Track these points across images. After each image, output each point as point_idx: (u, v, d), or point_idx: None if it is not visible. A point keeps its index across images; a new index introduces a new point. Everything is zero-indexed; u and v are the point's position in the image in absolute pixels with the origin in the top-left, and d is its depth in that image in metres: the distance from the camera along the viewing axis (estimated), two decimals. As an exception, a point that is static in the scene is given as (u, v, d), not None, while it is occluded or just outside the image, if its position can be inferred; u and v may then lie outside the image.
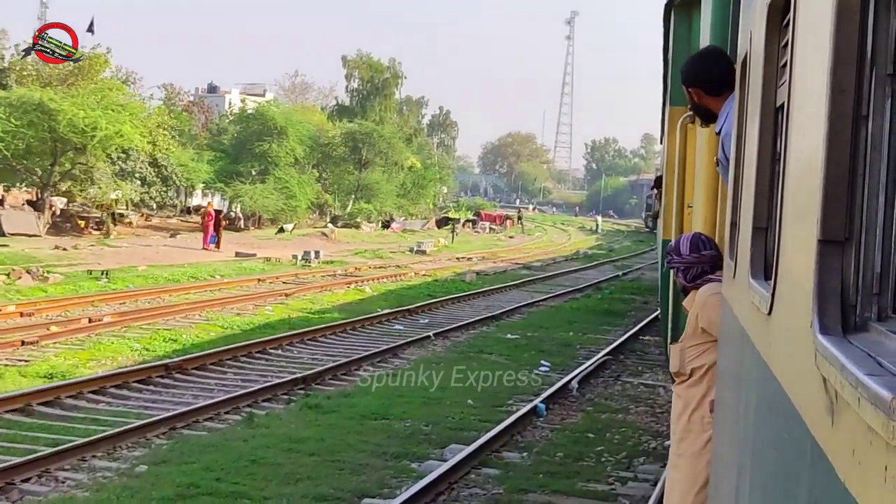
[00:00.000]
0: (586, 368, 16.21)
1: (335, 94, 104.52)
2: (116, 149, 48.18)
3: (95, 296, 21.53)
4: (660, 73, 19.36)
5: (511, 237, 73.62)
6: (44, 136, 43.70)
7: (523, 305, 25.94)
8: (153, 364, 14.48)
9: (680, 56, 12.63)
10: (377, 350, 17.16)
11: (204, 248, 38.11)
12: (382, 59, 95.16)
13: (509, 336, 20.12)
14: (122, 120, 44.77)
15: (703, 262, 5.76)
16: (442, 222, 79.16)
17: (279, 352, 16.92)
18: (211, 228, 39.29)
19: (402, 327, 21.06)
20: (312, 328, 19.24)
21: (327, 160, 74.34)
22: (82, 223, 50.33)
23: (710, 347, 5.55)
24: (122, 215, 55.62)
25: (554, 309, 25.82)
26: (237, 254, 36.02)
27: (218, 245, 38.79)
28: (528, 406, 12.95)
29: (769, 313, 2.70)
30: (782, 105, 2.95)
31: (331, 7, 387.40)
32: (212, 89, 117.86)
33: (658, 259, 16.17)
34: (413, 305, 24.08)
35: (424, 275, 33.84)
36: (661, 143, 20.12)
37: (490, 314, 23.43)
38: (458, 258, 43.64)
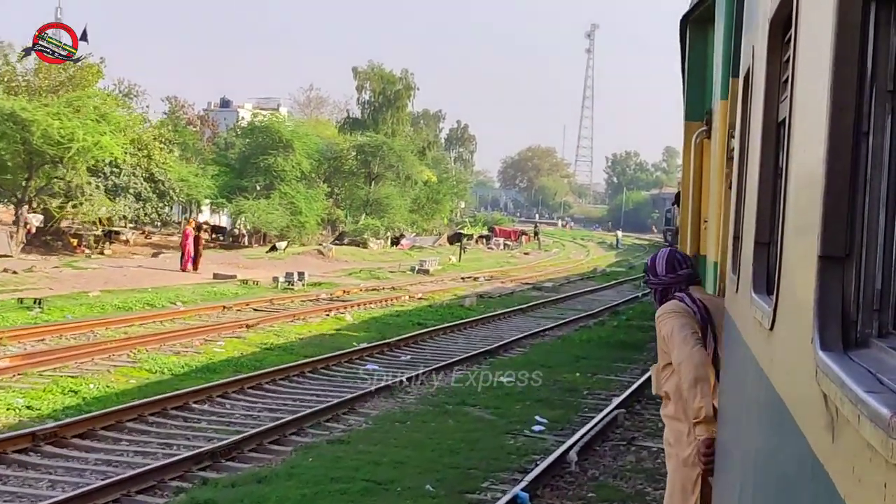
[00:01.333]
0: (592, 428, 12.69)
1: (349, 108, 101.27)
2: (101, 162, 45.28)
3: (12, 331, 18.10)
4: (680, 87, 17.05)
5: (526, 253, 70.06)
6: (17, 148, 40.59)
7: (526, 336, 22.42)
8: (18, 433, 11.00)
9: (695, 71, 12.78)
10: (331, 403, 13.68)
11: (182, 270, 34.73)
12: (395, 70, 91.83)
13: (502, 379, 16.60)
14: (102, 130, 41.60)
15: (679, 281, 5.70)
16: (454, 238, 75.84)
17: (205, 407, 13.46)
18: (190, 248, 35.82)
19: (376, 367, 17.59)
20: (261, 372, 15.80)
21: (336, 174, 71.57)
22: (74, 241, 47.65)
23: (674, 371, 5.53)
24: (117, 233, 53.03)
25: (561, 341, 22.27)
26: (215, 275, 32.62)
27: (196, 266, 35.34)
28: (508, 496, 9.45)
29: (771, 329, 2.73)
30: (784, 120, 3.07)
31: (347, 21, 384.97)
32: (224, 104, 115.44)
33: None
34: (396, 338, 20.65)
35: (420, 298, 30.38)
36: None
37: (485, 348, 19.94)
38: (463, 278, 40.13)
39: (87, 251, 45.81)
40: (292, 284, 30.44)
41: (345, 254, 48.60)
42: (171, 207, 78.32)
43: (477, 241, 76.05)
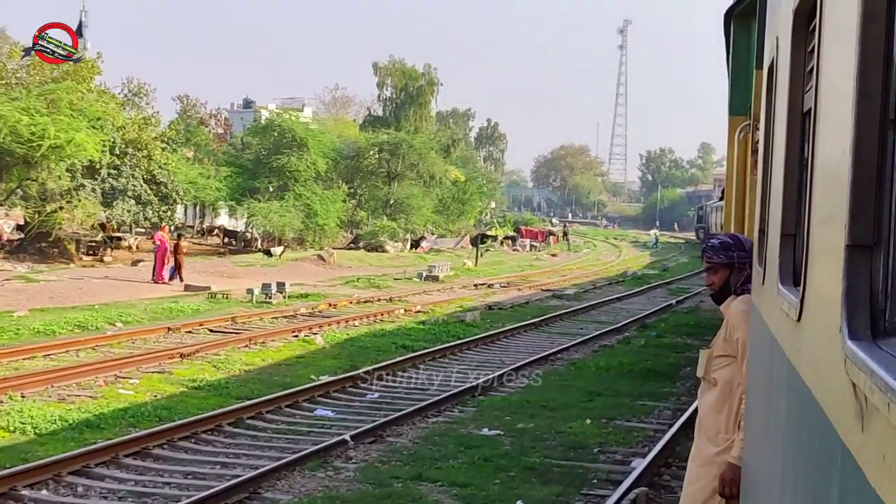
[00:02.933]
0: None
1: (370, 106, 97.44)
2: (98, 163, 41.97)
3: None
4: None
5: (554, 255, 65.70)
6: (-18, 146, 36.91)
7: (532, 361, 18.25)
8: None
9: (739, 65, 12.94)
10: (224, 486, 9.53)
11: (155, 282, 30.75)
12: (417, 65, 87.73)
13: (486, 432, 12.46)
14: (77, 127, 37.78)
15: None
16: (478, 240, 71.68)
17: (41, 494, 9.35)
18: (166, 258, 31.77)
19: (328, 413, 13.56)
20: (157, 429, 11.70)
21: (355, 174, 68.06)
22: (72, 248, 44.49)
23: (731, 363, 5.50)
24: (119, 238, 50.06)
25: (574, 368, 18.03)
26: (187, 287, 28.69)
27: (180, 276, 31.33)
28: None
29: (798, 319, 2.74)
30: (809, 111, 3.09)
31: (374, 20, 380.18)
32: (247, 104, 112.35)
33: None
34: (369, 367, 16.56)
35: (418, 311, 26.22)
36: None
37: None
38: (476, 285, 35.90)
39: (85, 258, 42.63)
40: (270, 297, 26.35)
41: (350, 259, 44.47)
42: (185, 210, 75.48)
43: (502, 243, 71.80)
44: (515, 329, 23.19)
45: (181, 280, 30.92)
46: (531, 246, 71.95)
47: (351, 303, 27.25)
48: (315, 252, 45.10)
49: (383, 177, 68.46)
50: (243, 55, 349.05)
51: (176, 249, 32.11)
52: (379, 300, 28.37)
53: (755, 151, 6.64)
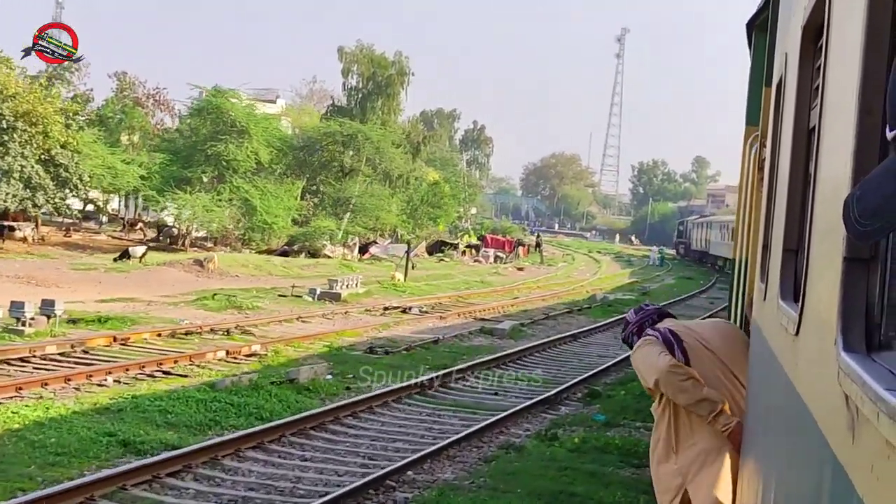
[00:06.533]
0: None
1: (333, 95, 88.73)
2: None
3: None
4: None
5: (520, 269, 56.44)
6: None
7: (344, 496, 9.19)
8: None
9: (757, 75, 12.71)
10: None
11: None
12: (388, 53, 79.00)
13: None
14: None
15: (648, 315, 5.78)
16: (435, 248, 62.91)
17: None
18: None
19: None
20: None
21: (305, 167, 59.72)
22: None
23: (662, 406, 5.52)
24: (11, 228, 42.23)
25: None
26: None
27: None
28: None
29: (796, 334, 2.74)
30: (814, 127, 3.06)
31: (363, 17, 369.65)
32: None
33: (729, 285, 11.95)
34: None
35: (252, 355, 17.11)
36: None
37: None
38: (385, 309, 26.64)
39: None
40: (24, 322, 17.08)
41: (242, 265, 35.14)
42: (124, 201, 67.20)
43: (464, 252, 62.85)
44: (381, 397, 14.10)
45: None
46: (496, 257, 62.81)
47: (159, 335, 18.09)
48: (194, 256, 35.85)
49: (336, 171, 60.07)
50: (224, 47, 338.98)
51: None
52: (209, 332, 19.19)
53: (761, 168, 6.21)
